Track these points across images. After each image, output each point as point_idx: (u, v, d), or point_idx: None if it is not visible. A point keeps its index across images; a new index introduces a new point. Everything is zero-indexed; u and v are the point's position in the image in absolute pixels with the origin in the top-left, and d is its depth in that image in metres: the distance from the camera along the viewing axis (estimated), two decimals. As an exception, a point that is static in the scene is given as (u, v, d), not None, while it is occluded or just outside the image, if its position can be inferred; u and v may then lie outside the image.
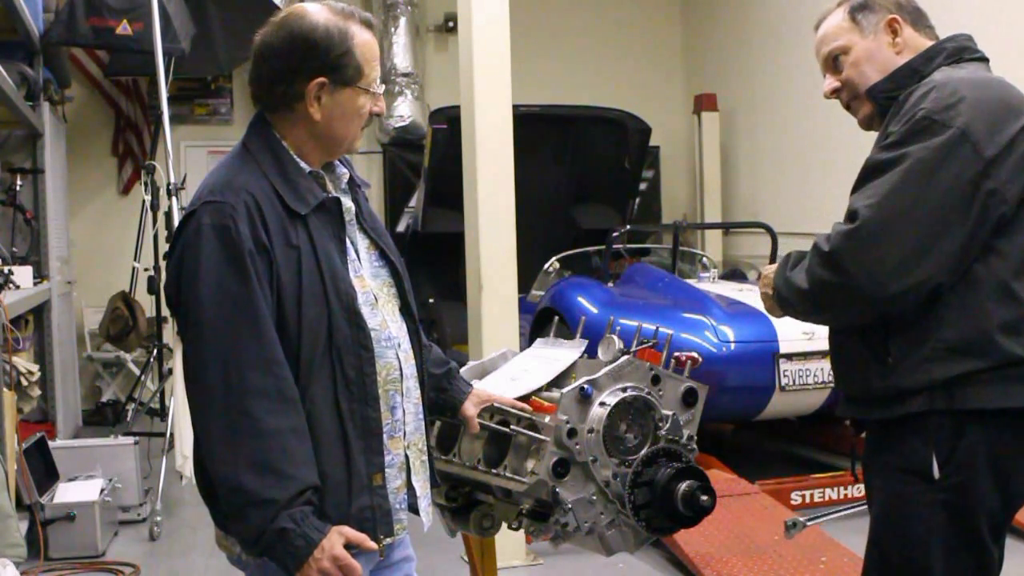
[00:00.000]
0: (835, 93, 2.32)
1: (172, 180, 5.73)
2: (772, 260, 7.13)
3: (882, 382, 2.09)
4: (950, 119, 2.02)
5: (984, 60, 2.24)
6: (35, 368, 5.62)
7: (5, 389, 4.46)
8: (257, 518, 1.87)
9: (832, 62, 2.30)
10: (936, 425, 2.05)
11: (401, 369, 2.08)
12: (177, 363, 5.41)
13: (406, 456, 2.10)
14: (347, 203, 2.10)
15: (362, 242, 2.12)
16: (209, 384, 1.90)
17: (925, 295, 2.03)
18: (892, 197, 2.02)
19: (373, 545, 1.97)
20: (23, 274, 5.53)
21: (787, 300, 2.20)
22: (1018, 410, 2.03)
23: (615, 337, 2.43)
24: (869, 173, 2.09)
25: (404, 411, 2.09)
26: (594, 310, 5.97)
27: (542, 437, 2.27)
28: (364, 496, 1.99)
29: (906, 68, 2.20)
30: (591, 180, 8.41)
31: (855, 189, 2.12)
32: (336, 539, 1.91)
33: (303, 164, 2.04)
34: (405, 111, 9.18)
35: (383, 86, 2.10)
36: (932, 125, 2.02)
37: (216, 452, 1.90)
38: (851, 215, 2.07)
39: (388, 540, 2.04)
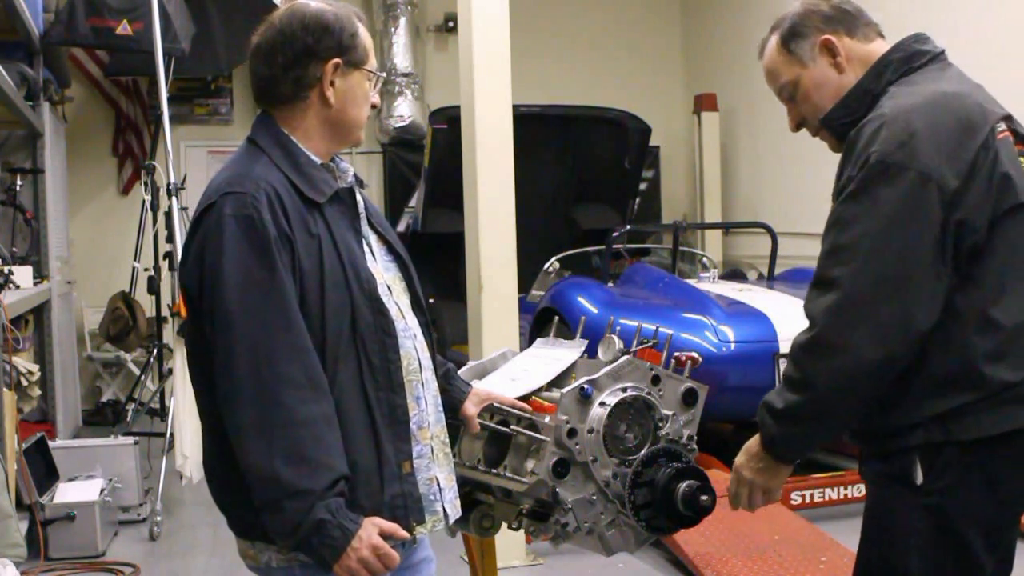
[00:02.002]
0: (800, 127, 2.25)
1: (172, 180, 5.73)
2: (772, 260, 7.14)
3: (880, 419, 2.04)
4: (906, 159, 1.92)
5: (937, 58, 2.14)
6: (35, 368, 5.61)
7: (5, 389, 4.46)
8: (293, 510, 1.86)
9: (786, 97, 2.23)
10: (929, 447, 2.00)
11: (419, 360, 2.10)
12: (177, 363, 5.40)
13: (431, 448, 2.11)
14: (358, 196, 2.13)
15: (372, 236, 2.14)
16: (239, 375, 1.89)
17: None
18: (873, 260, 1.93)
19: (406, 534, 1.97)
20: (23, 274, 5.53)
21: (794, 435, 2.07)
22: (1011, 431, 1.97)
23: (615, 337, 2.43)
24: (835, 227, 2.00)
25: (426, 402, 2.11)
26: (594, 310, 5.97)
27: (542, 437, 2.27)
28: (395, 484, 2.00)
29: (857, 90, 2.12)
30: (591, 180, 8.42)
31: (824, 239, 2.03)
32: (372, 529, 1.91)
33: (313, 156, 2.06)
34: (405, 111, 9.18)
35: (382, 74, 2.14)
36: (889, 169, 1.92)
37: (249, 443, 1.89)
38: (828, 283, 1.98)
39: (421, 529, 2.05)
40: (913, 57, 2.11)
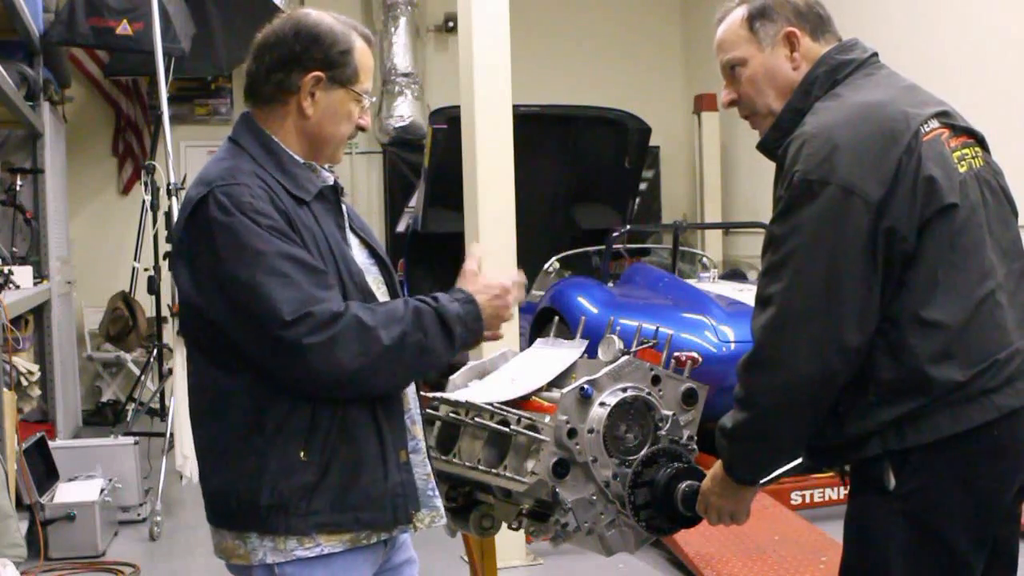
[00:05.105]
0: (732, 104, 2.24)
1: (172, 180, 5.73)
2: (764, 252, 7.11)
3: (836, 432, 2.03)
4: (827, 174, 1.93)
5: (865, 64, 2.11)
6: (35, 368, 5.62)
7: (5, 389, 4.46)
8: (432, 323, 2.00)
9: (730, 71, 2.21)
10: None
11: None
12: (177, 363, 5.40)
13: (422, 444, 2.14)
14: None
15: (353, 239, 2.15)
16: (297, 331, 1.87)
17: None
18: (802, 275, 1.94)
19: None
20: (23, 274, 5.53)
21: (747, 454, 2.09)
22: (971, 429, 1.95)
23: (615, 337, 2.43)
24: (768, 247, 2.03)
25: (413, 400, 2.14)
26: (594, 310, 5.97)
27: (542, 437, 2.27)
28: (397, 473, 2.02)
29: (787, 112, 2.12)
30: (591, 180, 8.41)
31: (762, 260, 2.05)
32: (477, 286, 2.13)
33: (295, 155, 2.06)
34: (405, 111, 9.18)
35: (373, 98, 2.12)
36: (811, 186, 1.94)
37: (382, 372, 1.95)
38: (764, 301, 2.00)
39: (418, 520, 2.07)
40: (837, 69, 2.11)
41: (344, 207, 2.14)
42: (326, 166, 2.16)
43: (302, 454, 1.94)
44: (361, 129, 2.12)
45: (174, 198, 5.68)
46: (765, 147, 2.19)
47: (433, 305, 2.01)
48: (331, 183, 2.12)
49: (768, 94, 2.16)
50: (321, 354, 1.88)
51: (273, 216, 1.92)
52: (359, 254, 2.14)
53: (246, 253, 1.89)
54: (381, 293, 2.14)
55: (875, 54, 2.17)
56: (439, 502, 2.14)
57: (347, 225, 2.13)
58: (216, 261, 1.91)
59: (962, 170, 2.03)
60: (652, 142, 8.61)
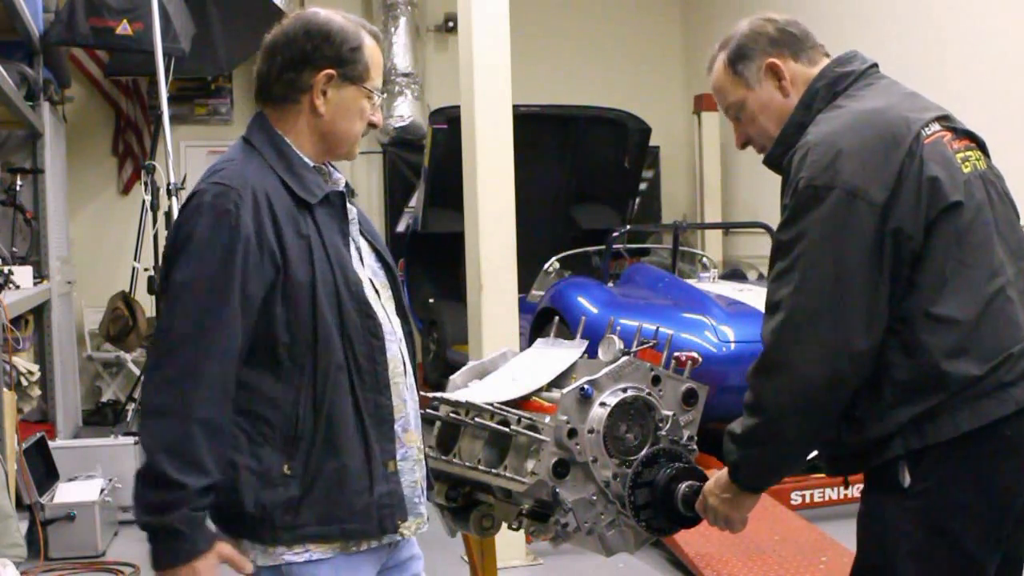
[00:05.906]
0: (747, 144, 2.29)
1: (172, 180, 5.73)
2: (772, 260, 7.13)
3: (855, 436, 2.04)
4: (832, 179, 1.96)
5: (864, 75, 2.16)
6: (35, 368, 5.61)
7: (5, 389, 4.46)
8: (160, 499, 1.86)
9: (733, 116, 2.26)
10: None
11: (404, 363, 2.11)
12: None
13: (415, 449, 2.13)
14: (348, 203, 2.13)
15: (363, 243, 2.15)
16: (162, 356, 1.92)
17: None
18: (810, 278, 1.97)
19: (248, 566, 1.96)
20: (23, 274, 5.52)
21: (753, 460, 2.09)
22: (990, 423, 1.96)
23: (615, 337, 2.43)
24: (776, 254, 2.06)
25: (408, 405, 2.12)
26: (594, 310, 5.97)
27: (542, 437, 2.27)
28: (383, 483, 2.02)
29: (790, 125, 2.16)
30: (591, 180, 8.41)
31: (769, 268, 2.08)
32: (214, 560, 1.91)
33: (306, 158, 2.07)
34: (405, 111, 9.17)
35: (384, 95, 2.13)
36: (817, 192, 1.97)
37: (146, 422, 1.92)
38: (774, 306, 2.02)
39: (405, 530, 2.06)
40: (837, 81, 2.15)
41: (355, 211, 2.14)
42: (338, 171, 2.16)
43: (285, 467, 1.95)
44: (373, 126, 2.13)
45: (174, 198, 5.68)
46: (771, 161, 2.22)
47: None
48: (340, 188, 2.12)
49: (769, 127, 2.21)
50: (149, 400, 1.93)
51: (246, 229, 1.92)
52: (367, 257, 2.14)
53: (188, 259, 1.93)
54: (386, 297, 2.14)
55: (875, 64, 2.20)
56: (424, 508, 2.14)
57: (355, 230, 2.12)
58: (172, 250, 1.97)
59: (966, 170, 2.06)
60: (652, 142, 8.61)
